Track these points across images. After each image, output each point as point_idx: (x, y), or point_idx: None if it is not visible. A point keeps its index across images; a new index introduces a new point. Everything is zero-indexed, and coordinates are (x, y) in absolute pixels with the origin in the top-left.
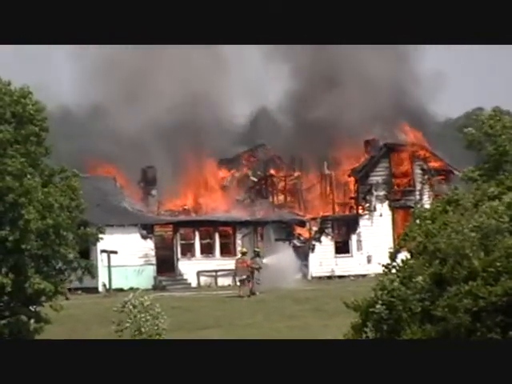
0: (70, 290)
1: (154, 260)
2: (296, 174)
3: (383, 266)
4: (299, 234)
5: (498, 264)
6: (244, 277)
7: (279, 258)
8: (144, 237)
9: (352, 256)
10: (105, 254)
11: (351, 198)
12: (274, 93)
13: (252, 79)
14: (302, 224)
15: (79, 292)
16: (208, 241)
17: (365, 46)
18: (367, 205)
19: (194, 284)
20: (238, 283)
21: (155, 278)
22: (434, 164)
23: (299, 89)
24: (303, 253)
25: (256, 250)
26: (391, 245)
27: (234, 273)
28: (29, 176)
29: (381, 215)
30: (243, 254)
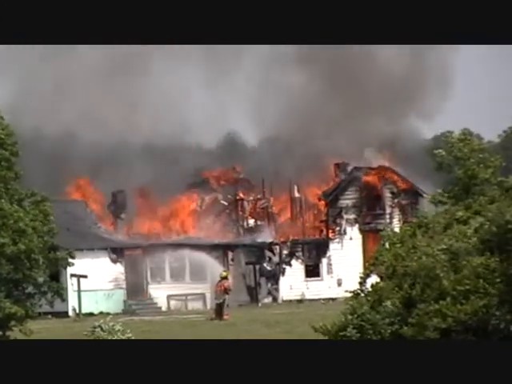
0: (39, 314)
1: (123, 284)
2: (266, 197)
3: (351, 292)
4: (269, 258)
5: (467, 282)
6: (221, 301)
7: None
8: (114, 261)
9: (322, 279)
10: (74, 279)
11: (321, 222)
12: (243, 115)
13: (220, 102)
14: (272, 248)
15: (49, 316)
16: (178, 264)
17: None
18: (337, 228)
19: (164, 308)
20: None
21: (125, 302)
22: (402, 186)
23: (269, 111)
24: (273, 276)
25: (223, 273)
26: (361, 268)
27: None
28: (3, 200)
29: (351, 239)
30: (224, 278)
